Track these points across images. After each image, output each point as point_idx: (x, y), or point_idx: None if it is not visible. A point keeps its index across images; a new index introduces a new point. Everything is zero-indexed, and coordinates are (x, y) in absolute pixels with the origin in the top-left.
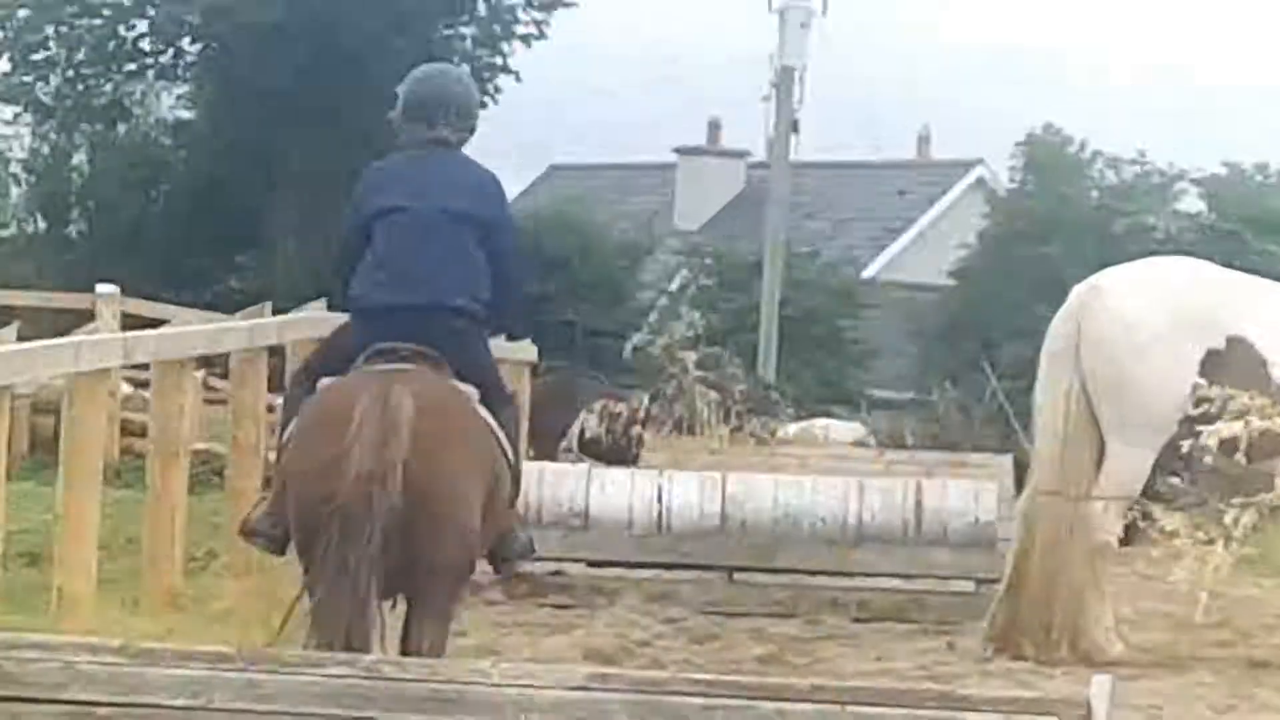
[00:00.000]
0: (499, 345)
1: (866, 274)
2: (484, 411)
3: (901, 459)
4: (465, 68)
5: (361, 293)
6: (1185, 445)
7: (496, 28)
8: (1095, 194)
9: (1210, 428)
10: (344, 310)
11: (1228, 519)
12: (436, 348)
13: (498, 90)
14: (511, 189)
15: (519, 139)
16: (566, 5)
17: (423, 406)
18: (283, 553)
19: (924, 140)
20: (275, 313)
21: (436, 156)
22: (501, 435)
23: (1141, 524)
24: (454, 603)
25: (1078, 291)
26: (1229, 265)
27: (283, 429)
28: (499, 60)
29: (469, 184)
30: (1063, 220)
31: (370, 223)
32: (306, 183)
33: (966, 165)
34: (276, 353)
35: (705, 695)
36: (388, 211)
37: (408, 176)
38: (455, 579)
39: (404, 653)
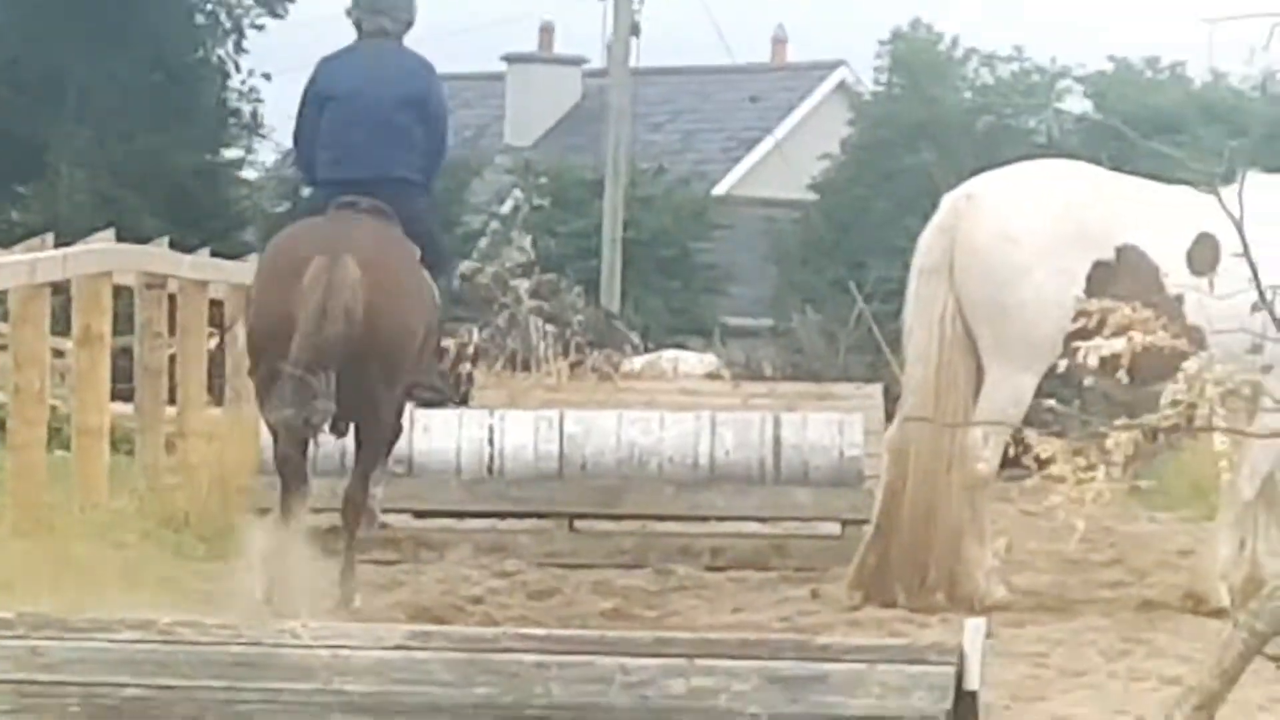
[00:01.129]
0: None
1: (718, 190)
2: (423, 270)
3: (760, 392)
4: None
5: (320, 169)
6: (1063, 365)
7: None
8: (969, 95)
9: (1089, 344)
10: (310, 184)
11: (1109, 443)
12: (387, 202)
13: None
14: None
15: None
16: None
17: (367, 261)
18: None
19: (779, 42)
20: (59, 246)
21: (376, 47)
22: (436, 291)
23: (1014, 450)
24: (390, 430)
25: (950, 201)
26: (1117, 169)
27: None
28: None
29: (405, 69)
30: (934, 125)
31: (322, 107)
32: (93, 104)
33: (826, 68)
34: (61, 290)
35: (539, 652)
36: (335, 98)
37: (352, 66)
38: (391, 409)
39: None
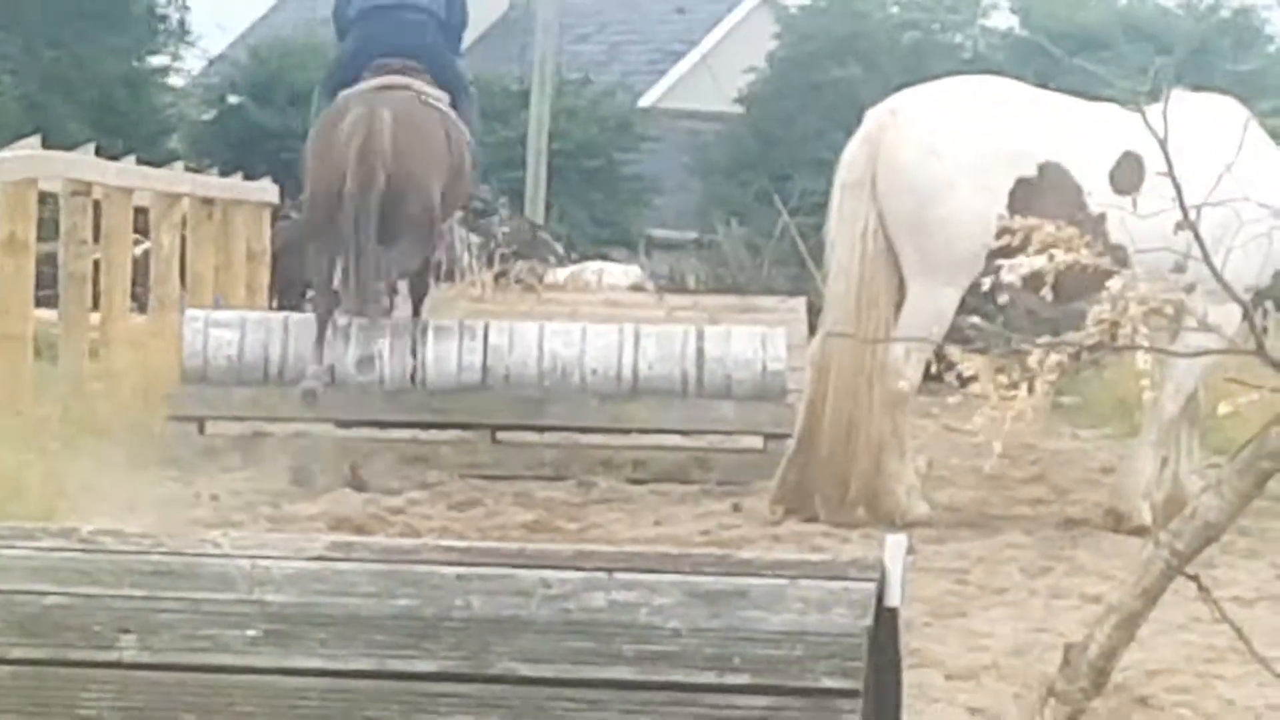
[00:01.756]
0: (235, 185)
1: (644, 102)
2: (451, 114)
3: (683, 304)
4: None
5: (353, 5)
6: (986, 283)
7: None
8: (895, 10)
9: (1011, 262)
10: (344, 30)
11: (1032, 360)
12: (416, 55)
13: None
14: (252, 14)
15: None
16: None
17: (399, 119)
18: None
19: None
20: None
21: None
22: (464, 129)
23: (936, 367)
24: (426, 250)
25: (874, 115)
26: (1042, 85)
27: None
28: None
29: None
30: (860, 40)
31: None
32: (21, 9)
33: None
34: None
35: (459, 564)
36: None
37: None
38: (423, 235)
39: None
